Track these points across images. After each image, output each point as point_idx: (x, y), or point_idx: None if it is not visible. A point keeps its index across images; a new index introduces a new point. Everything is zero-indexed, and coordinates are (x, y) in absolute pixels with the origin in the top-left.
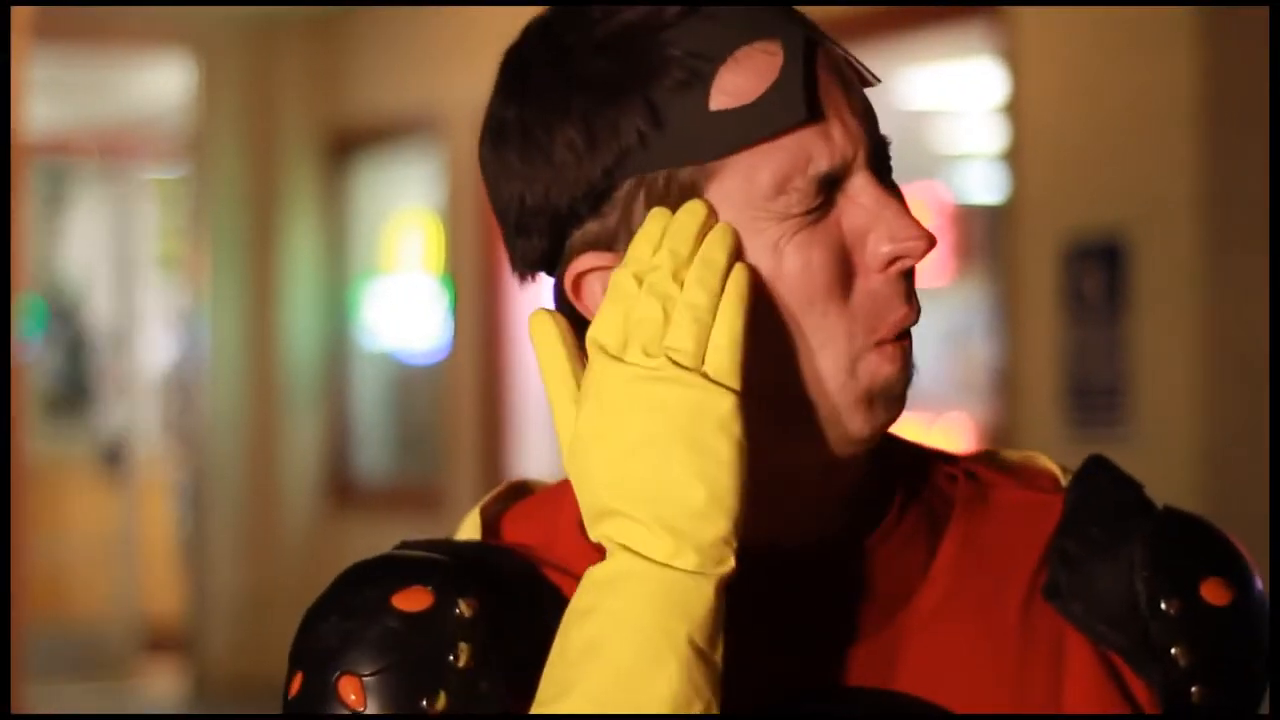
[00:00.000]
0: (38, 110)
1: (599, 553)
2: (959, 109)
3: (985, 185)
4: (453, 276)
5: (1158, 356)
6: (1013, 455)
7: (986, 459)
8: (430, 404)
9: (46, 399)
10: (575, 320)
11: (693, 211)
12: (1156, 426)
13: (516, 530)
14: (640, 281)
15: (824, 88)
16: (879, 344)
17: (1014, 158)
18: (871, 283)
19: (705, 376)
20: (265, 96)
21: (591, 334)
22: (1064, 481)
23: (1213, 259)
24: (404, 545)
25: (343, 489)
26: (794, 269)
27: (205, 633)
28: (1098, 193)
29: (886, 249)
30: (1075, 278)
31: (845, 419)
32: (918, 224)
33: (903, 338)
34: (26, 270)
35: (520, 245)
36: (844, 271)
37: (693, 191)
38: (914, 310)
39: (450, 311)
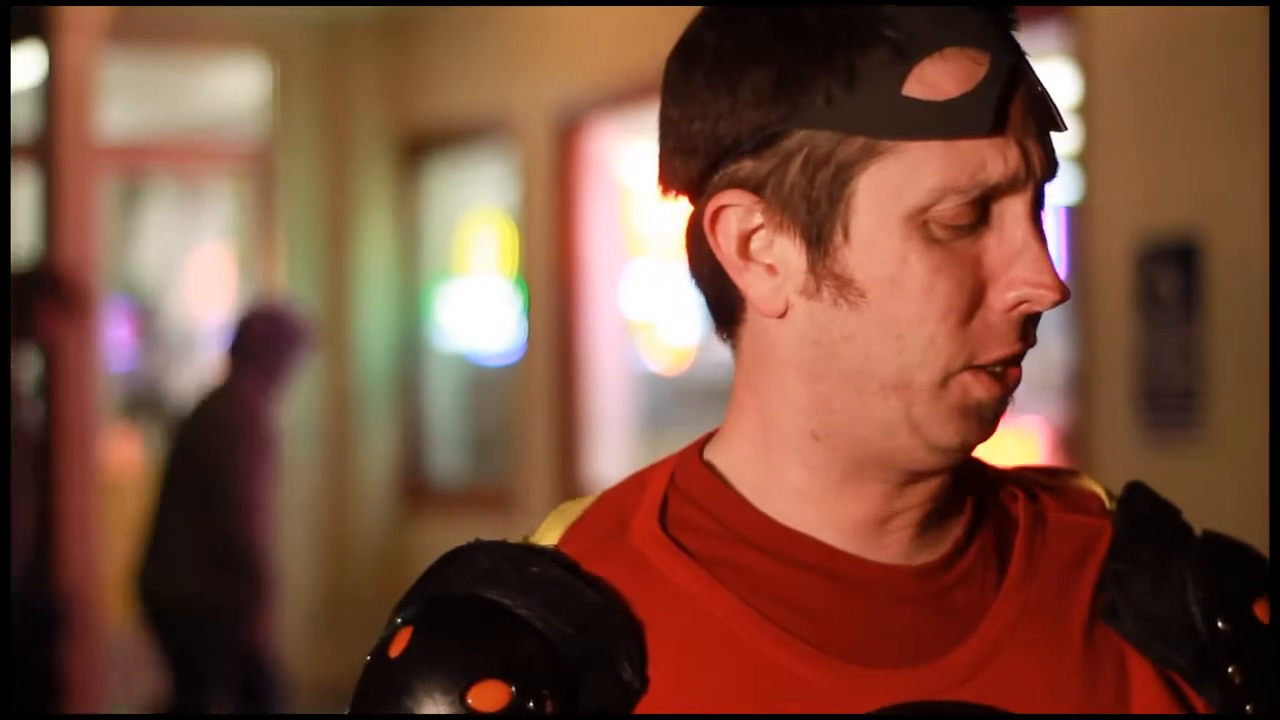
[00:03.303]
0: (113, 113)
1: (668, 554)
2: None
3: (1058, 186)
4: (526, 278)
5: (1232, 359)
6: (1058, 473)
7: (1037, 476)
8: (504, 405)
9: (128, 402)
10: (705, 253)
11: None
12: (1230, 429)
13: (583, 529)
14: None
15: (1016, 111)
16: (976, 369)
17: (1086, 158)
18: (991, 316)
19: None
20: (339, 99)
21: None
22: (1107, 502)
23: None
24: (479, 553)
25: (417, 491)
26: (916, 288)
27: (279, 636)
28: (1171, 193)
29: (1015, 294)
30: (1149, 279)
31: (931, 428)
32: (1055, 274)
33: (1008, 364)
34: (101, 271)
35: (675, 163)
36: (966, 303)
37: (850, 169)
38: (1025, 345)
39: (524, 313)
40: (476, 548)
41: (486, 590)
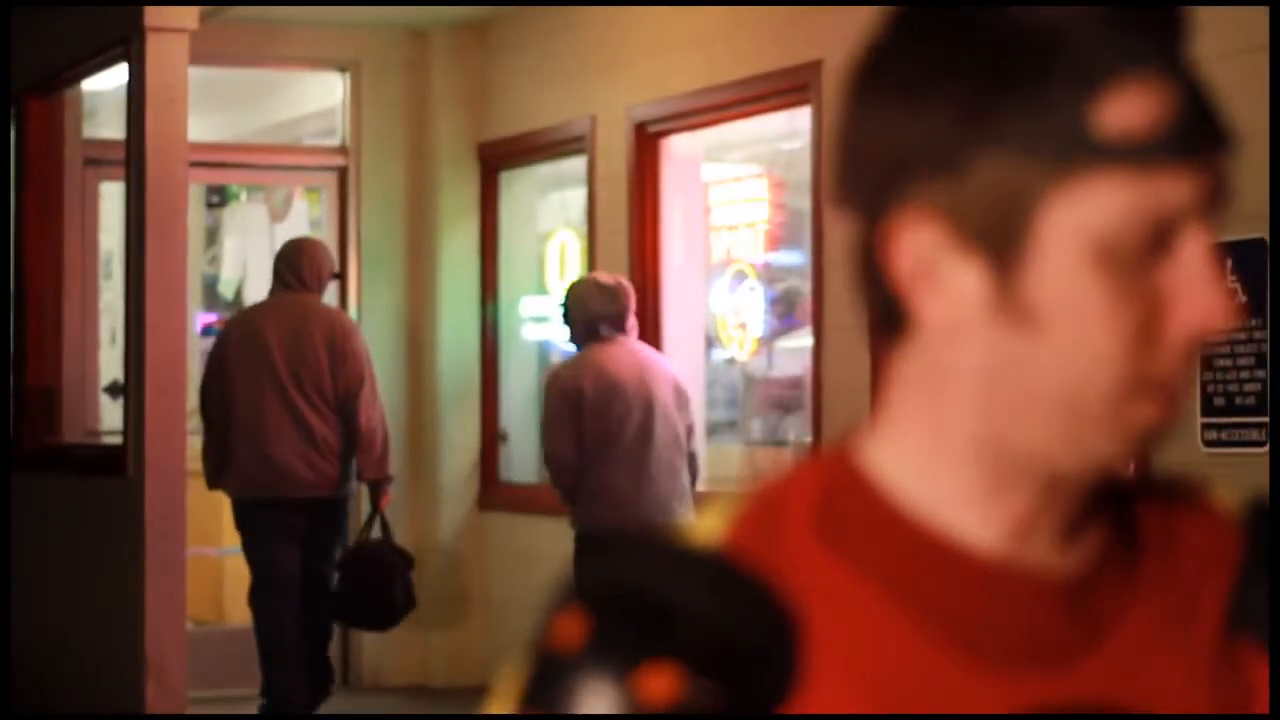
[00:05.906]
0: (195, 125)
1: (824, 554)
2: None
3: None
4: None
5: None
6: (1181, 481)
7: (1162, 483)
8: None
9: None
10: (874, 267)
11: None
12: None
13: (743, 534)
14: None
15: (1199, 139)
16: (1144, 392)
17: None
18: (1163, 342)
19: None
20: (418, 112)
21: None
22: (1230, 511)
23: None
24: (642, 543)
25: (494, 488)
26: (1095, 314)
27: (358, 634)
28: None
29: (1188, 324)
30: None
31: (1094, 445)
32: (1225, 305)
33: (1172, 389)
34: (185, 278)
35: (851, 177)
36: (1141, 330)
37: (1035, 195)
38: (1189, 371)
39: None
40: (638, 538)
41: (654, 580)
